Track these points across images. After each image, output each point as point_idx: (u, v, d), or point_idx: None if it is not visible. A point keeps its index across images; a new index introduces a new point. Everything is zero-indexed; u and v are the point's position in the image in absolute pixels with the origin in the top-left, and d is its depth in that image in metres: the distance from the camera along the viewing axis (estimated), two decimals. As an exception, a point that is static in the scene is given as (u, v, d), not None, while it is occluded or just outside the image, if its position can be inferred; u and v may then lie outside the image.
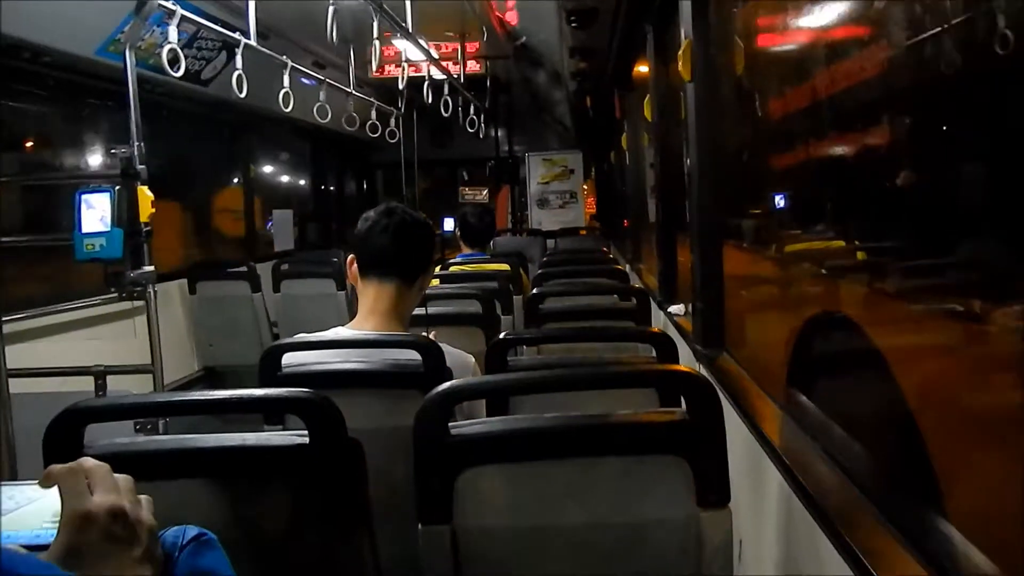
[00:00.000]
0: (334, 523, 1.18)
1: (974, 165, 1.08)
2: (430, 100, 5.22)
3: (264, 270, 5.49)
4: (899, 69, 1.19)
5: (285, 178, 8.65)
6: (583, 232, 8.57)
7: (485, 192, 10.20)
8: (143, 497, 0.82)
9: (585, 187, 10.34)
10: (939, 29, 1.07)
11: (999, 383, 1.06)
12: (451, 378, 1.59)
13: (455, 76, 5.81)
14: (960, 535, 0.98)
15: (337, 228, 9.13)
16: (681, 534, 1.19)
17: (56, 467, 0.78)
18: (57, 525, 0.76)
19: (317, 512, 1.18)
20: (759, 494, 1.56)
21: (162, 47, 3.02)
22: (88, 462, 0.79)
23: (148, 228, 2.95)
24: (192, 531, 0.88)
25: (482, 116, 6.99)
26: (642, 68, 4.43)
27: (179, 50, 3.04)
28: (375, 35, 3.86)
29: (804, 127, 1.65)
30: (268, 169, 8.06)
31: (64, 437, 1.16)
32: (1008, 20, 0.89)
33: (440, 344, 1.73)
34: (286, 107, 3.98)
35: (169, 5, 3.00)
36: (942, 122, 1.15)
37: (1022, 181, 0.92)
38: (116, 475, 0.80)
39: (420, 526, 1.20)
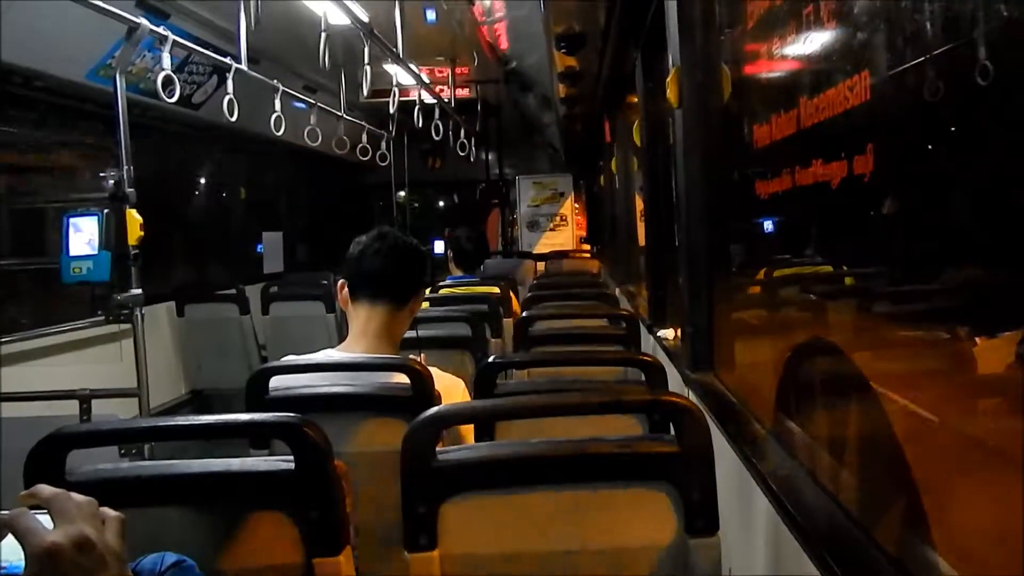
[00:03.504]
0: (319, 549, 1.17)
1: (959, 192, 1.09)
2: (420, 124, 5.25)
3: (253, 292, 5.47)
4: (883, 97, 1.21)
5: (275, 200, 8.64)
6: (573, 255, 8.59)
7: None
8: (112, 515, 0.79)
9: (576, 210, 10.38)
10: (922, 59, 1.08)
11: (986, 410, 1.06)
12: (440, 402, 1.59)
13: (445, 100, 5.85)
14: (949, 566, 0.97)
15: (327, 250, 9.12)
16: (669, 562, 1.18)
17: (2, 517, 0.74)
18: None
19: (302, 538, 1.16)
20: (748, 521, 1.55)
21: (153, 71, 3.03)
22: (46, 490, 0.77)
23: (136, 251, 2.94)
24: (171, 558, 0.87)
25: (472, 139, 7.03)
26: (631, 93, 4.46)
27: (173, 75, 3.06)
28: (366, 60, 3.88)
29: (790, 153, 1.66)
30: (258, 191, 8.05)
31: (46, 464, 1.15)
32: (988, 51, 0.90)
33: (431, 368, 1.73)
34: (277, 131, 4.00)
35: (160, 31, 3.02)
36: (926, 150, 1.16)
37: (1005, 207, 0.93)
38: (78, 498, 0.77)
39: (406, 553, 1.18)
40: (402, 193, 8.60)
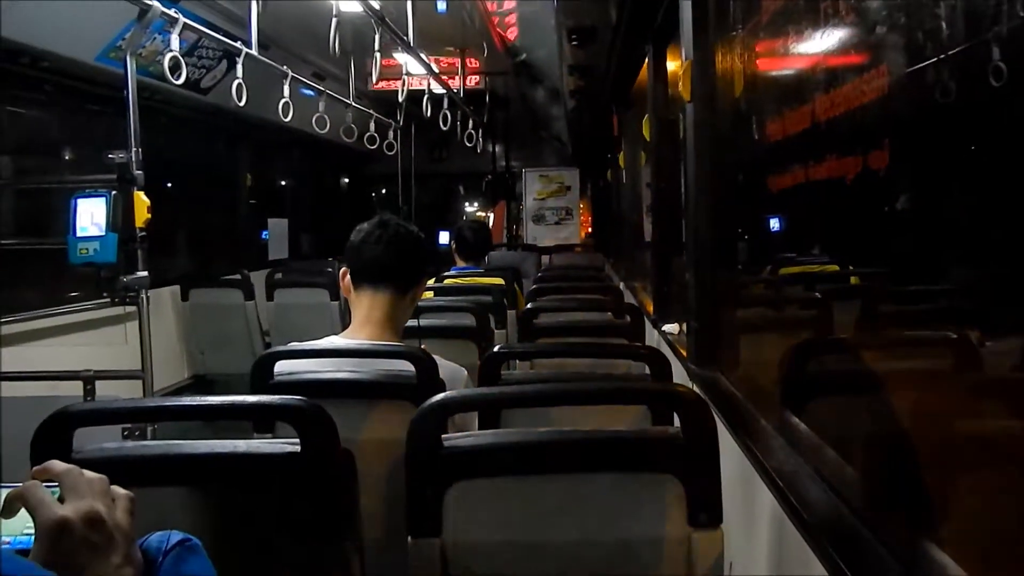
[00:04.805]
0: (323, 533, 1.17)
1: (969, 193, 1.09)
2: (429, 114, 5.24)
3: (258, 279, 5.47)
4: (897, 96, 1.20)
5: (281, 187, 8.65)
6: (578, 249, 8.59)
7: None
8: (122, 493, 0.80)
9: (581, 204, 10.37)
10: (936, 59, 1.08)
11: (990, 408, 1.06)
12: (444, 390, 1.59)
13: (454, 90, 5.83)
14: (952, 561, 0.97)
15: (332, 238, 9.12)
16: (672, 553, 1.18)
17: (15, 490, 0.74)
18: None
19: (306, 522, 1.17)
20: (751, 515, 1.55)
21: (163, 54, 3.03)
22: (58, 465, 0.77)
23: (143, 233, 2.95)
24: (177, 536, 0.87)
25: (480, 131, 7.02)
26: (640, 87, 4.45)
27: (181, 58, 3.05)
28: (376, 48, 3.87)
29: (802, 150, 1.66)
30: (264, 178, 8.06)
31: (52, 442, 1.15)
32: (1002, 52, 0.90)
33: (433, 356, 1.72)
34: (285, 117, 3.99)
35: (172, 13, 3.01)
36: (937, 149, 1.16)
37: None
38: (89, 475, 0.77)
39: (410, 539, 1.19)
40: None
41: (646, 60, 3.78)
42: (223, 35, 3.66)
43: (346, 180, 10.19)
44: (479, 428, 1.56)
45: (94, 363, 3.04)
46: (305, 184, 9.00)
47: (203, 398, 1.25)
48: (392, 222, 1.92)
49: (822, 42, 1.47)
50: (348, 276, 1.90)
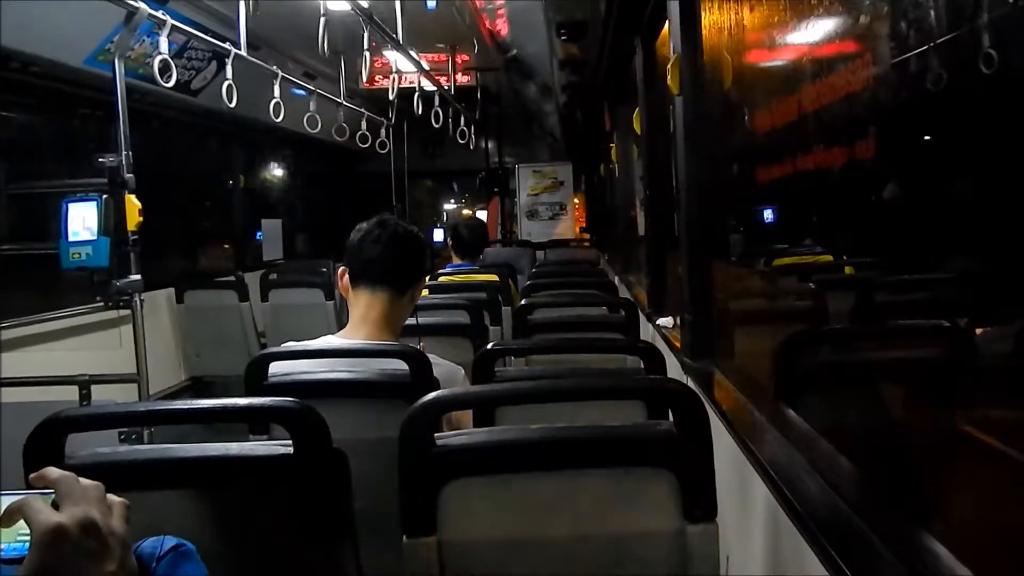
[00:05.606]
0: (318, 534, 1.17)
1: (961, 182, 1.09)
2: (420, 111, 5.23)
3: (252, 279, 5.46)
4: (886, 85, 1.20)
5: (274, 188, 8.63)
6: (573, 244, 8.59)
7: None
8: (117, 501, 0.80)
9: (575, 199, 10.37)
10: (925, 47, 1.08)
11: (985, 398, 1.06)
12: (439, 389, 1.58)
13: (445, 87, 5.82)
14: (947, 551, 0.97)
15: (326, 238, 9.11)
16: (667, 548, 1.18)
17: (16, 501, 0.74)
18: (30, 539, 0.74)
19: (300, 523, 1.17)
20: (746, 508, 1.55)
21: (152, 57, 3.02)
22: (53, 472, 0.77)
23: (136, 237, 2.94)
24: (170, 541, 0.87)
25: (472, 127, 7.00)
26: (632, 81, 4.45)
27: (170, 60, 3.04)
28: (365, 46, 3.87)
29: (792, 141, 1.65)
30: (257, 179, 8.04)
31: (44, 447, 1.15)
32: (992, 39, 0.89)
33: (429, 355, 1.72)
34: (276, 117, 3.98)
35: (159, 15, 3.00)
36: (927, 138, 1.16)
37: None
38: (85, 482, 0.77)
39: (404, 538, 1.18)
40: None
41: (636, 54, 3.78)
42: (212, 36, 3.65)
43: (339, 179, 10.16)
44: (474, 426, 1.55)
45: (91, 367, 3.03)
46: (298, 184, 8.98)
47: (195, 401, 1.24)
48: (391, 221, 1.91)
49: (808, 32, 1.47)
50: (346, 276, 1.89)
